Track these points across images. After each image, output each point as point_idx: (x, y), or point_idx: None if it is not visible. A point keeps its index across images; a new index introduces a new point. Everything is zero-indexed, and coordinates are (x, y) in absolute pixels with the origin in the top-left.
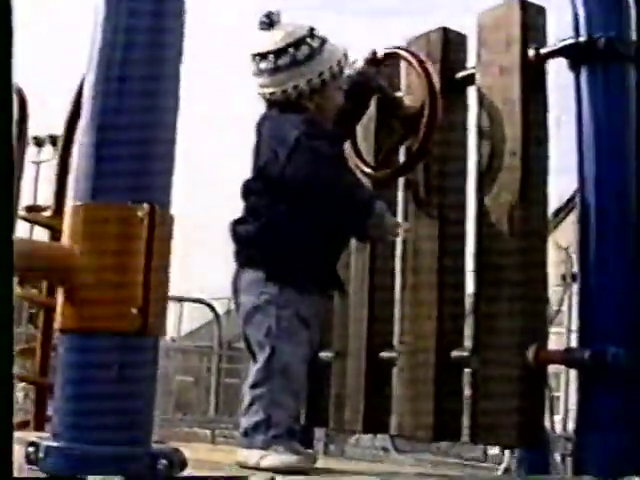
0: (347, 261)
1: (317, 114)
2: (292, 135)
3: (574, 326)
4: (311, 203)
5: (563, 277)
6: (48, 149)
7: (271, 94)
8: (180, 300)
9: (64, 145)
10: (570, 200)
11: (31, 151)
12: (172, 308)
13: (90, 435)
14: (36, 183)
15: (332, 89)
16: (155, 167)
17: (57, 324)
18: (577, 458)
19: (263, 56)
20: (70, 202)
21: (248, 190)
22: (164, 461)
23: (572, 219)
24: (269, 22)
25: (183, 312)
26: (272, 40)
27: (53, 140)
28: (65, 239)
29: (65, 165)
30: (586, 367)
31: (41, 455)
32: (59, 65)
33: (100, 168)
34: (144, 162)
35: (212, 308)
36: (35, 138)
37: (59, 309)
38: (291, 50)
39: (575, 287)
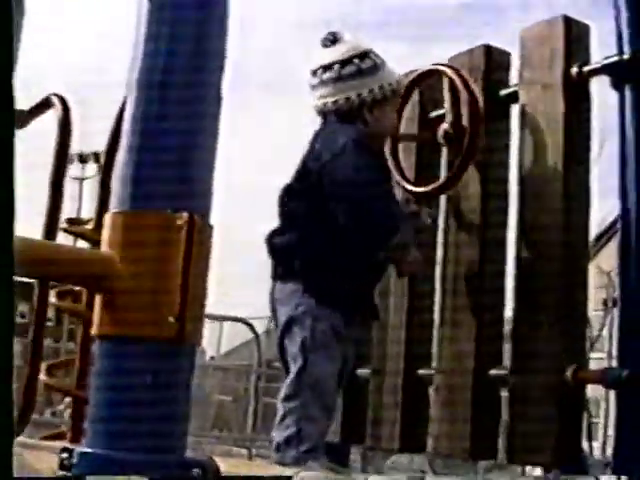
0: (387, 284)
1: (374, 127)
2: (340, 140)
3: (615, 351)
4: (344, 210)
5: (604, 302)
6: (92, 166)
7: (333, 102)
8: (220, 319)
9: (107, 158)
10: (613, 224)
11: (75, 167)
12: (212, 327)
13: (123, 442)
14: (80, 200)
15: (390, 105)
16: (195, 175)
17: (94, 330)
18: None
19: (327, 67)
20: (109, 210)
21: (286, 196)
22: (197, 470)
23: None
24: (333, 39)
25: (223, 331)
26: (337, 52)
27: (97, 157)
28: (104, 246)
29: (107, 179)
30: (624, 387)
31: (74, 461)
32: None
33: (139, 175)
34: (184, 170)
35: (251, 327)
36: (79, 155)
37: (96, 316)
38: (356, 61)
39: (616, 311)
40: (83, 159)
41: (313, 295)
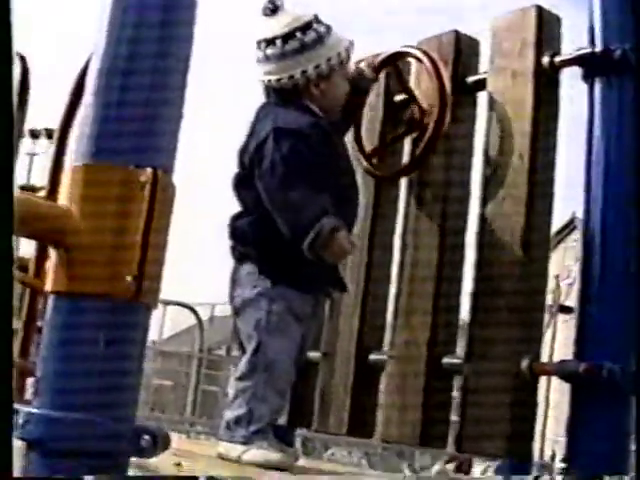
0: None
1: (322, 101)
2: (266, 129)
3: (556, 356)
4: (267, 201)
5: (550, 306)
6: (43, 142)
7: (277, 80)
8: (164, 303)
9: (62, 128)
10: (564, 227)
11: (26, 143)
12: (155, 311)
13: (73, 403)
14: (29, 174)
15: (339, 76)
16: (160, 130)
17: (48, 287)
18: (566, 471)
19: (270, 42)
20: (69, 165)
21: (236, 181)
22: (148, 437)
23: (564, 246)
24: (273, 7)
25: (166, 315)
26: (278, 25)
27: (49, 133)
28: (62, 201)
29: (62, 148)
30: (580, 380)
31: (21, 421)
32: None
33: (103, 130)
34: (149, 124)
35: (195, 313)
36: (31, 130)
37: (51, 272)
38: (298, 35)
39: (560, 318)
40: (35, 134)
41: (268, 276)
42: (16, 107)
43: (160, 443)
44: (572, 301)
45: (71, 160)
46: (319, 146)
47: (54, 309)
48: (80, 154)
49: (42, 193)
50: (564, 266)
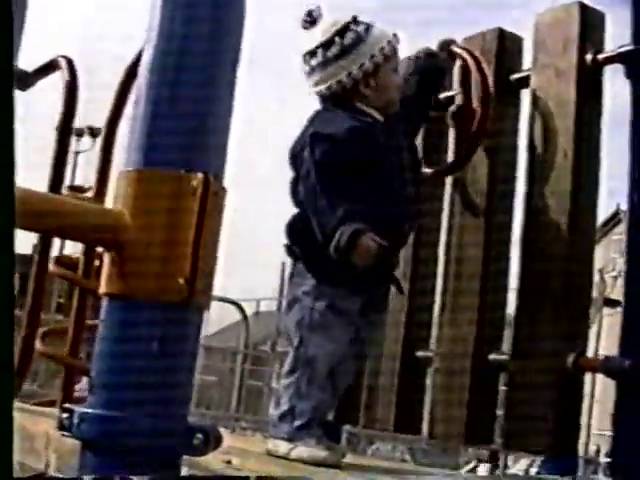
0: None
1: (376, 99)
2: (307, 135)
3: (601, 349)
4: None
5: (594, 300)
6: (87, 140)
7: (327, 88)
8: None
9: (109, 126)
10: (610, 220)
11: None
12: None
13: (127, 404)
14: (73, 173)
15: (387, 71)
16: (211, 136)
17: (101, 289)
18: (612, 466)
19: (312, 53)
20: (120, 169)
21: (292, 184)
22: (200, 436)
23: (608, 239)
24: (311, 19)
25: (211, 311)
26: (318, 34)
27: (92, 131)
28: (112, 203)
29: (109, 146)
30: (625, 376)
31: (75, 421)
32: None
33: (153, 134)
34: (200, 128)
35: (241, 309)
36: (75, 129)
37: (104, 274)
38: (337, 39)
39: (605, 311)
40: (78, 133)
41: (314, 275)
42: (64, 109)
43: (212, 441)
44: (617, 294)
45: (122, 164)
46: (355, 149)
47: (108, 311)
48: (131, 159)
49: (89, 193)
50: (609, 259)
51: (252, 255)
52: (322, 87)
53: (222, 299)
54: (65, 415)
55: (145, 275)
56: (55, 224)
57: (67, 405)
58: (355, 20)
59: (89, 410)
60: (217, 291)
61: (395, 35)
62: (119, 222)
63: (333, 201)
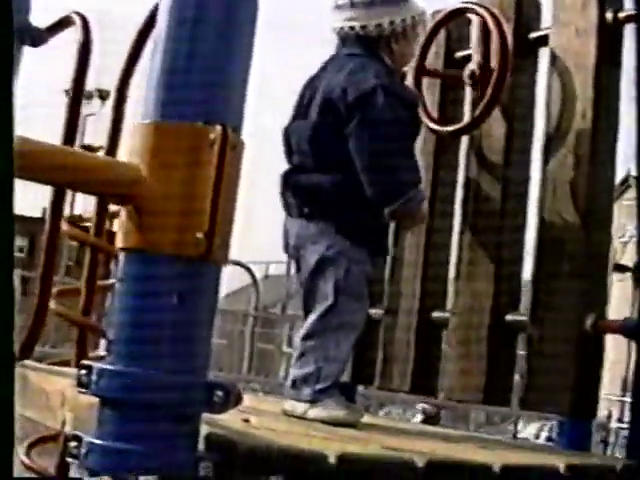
0: None
1: (398, 59)
2: (371, 81)
3: (610, 314)
4: (366, 160)
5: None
6: (96, 102)
7: (362, 27)
8: None
9: (119, 88)
10: (621, 184)
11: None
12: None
13: (146, 360)
14: (82, 135)
15: (414, 37)
16: (229, 89)
17: (119, 243)
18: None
19: None
20: (136, 122)
21: (313, 134)
22: (220, 392)
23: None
24: None
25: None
26: None
27: (101, 94)
28: (130, 158)
29: (120, 108)
30: None
31: (94, 378)
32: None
33: (171, 87)
34: (218, 82)
35: (250, 272)
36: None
37: (122, 227)
38: None
39: (615, 277)
40: (87, 96)
41: (347, 236)
42: (77, 67)
43: (232, 399)
44: (626, 260)
45: (138, 117)
46: (418, 117)
47: (125, 265)
48: (148, 111)
49: (101, 153)
50: (619, 224)
51: (261, 217)
52: (357, 24)
53: (232, 262)
54: (83, 372)
55: (163, 229)
56: (71, 177)
57: (85, 362)
58: None
59: (107, 366)
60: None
61: (424, 11)
62: (135, 176)
63: (406, 161)
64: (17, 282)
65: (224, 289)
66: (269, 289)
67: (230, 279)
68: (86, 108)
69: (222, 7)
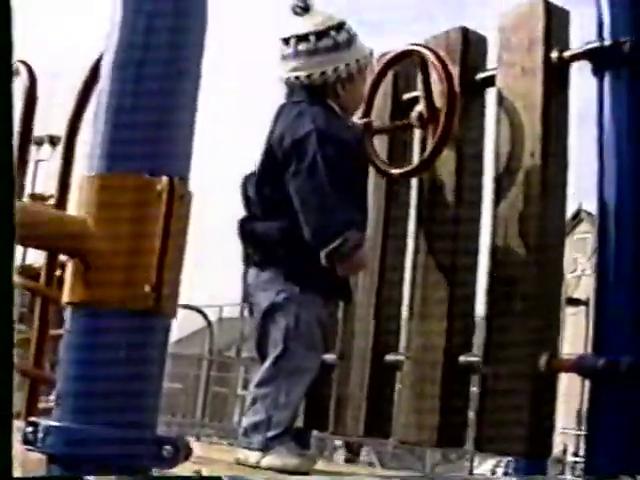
0: None
1: (345, 102)
2: (306, 127)
3: (565, 348)
4: (296, 203)
5: None
6: (46, 149)
7: (307, 76)
8: None
9: (69, 134)
10: (573, 218)
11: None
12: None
13: (94, 415)
14: (34, 181)
15: (361, 80)
16: (175, 139)
17: (66, 298)
18: (587, 465)
19: (302, 38)
20: (82, 175)
21: (259, 182)
22: (169, 447)
23: (571, 238)
24: (304, 6)
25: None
26: (311, 22)
27: (52, 140)
28: (75, 210)
29: (69, 155)
30: (599, 376)
31: (40, 435)
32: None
33: (116, 140)
34: (163, 132)
35: (204, 315)
36: (34, 138)
37: (68, 283)
38: (332, 33)
39: (569, 310)
40: (38, 142)
41: (297, 282)
42: (23, 116)
43: (181, 454)
44: (579, 294)
45: (84, 170)
46: (357, 156)
47: (73, 319)
48: (93, 164)
49: (51, 201)
50: (571, 258)
51: (213, 260)
52: (302, 74)
53: (185, 306)
54: (30, 429)
55: (110, 283)
56: (17, 232)
57: (32, 419)
58: (347, 23)
59: (54, 423)
60: (182, 299)
61: (371, 51)
62: (82, 229)
63: (339, 204)
64: None
65: (178, 333)
66: (223, 332)
67: (183, 323)
68: (37, 154)
69: (165, 62)
